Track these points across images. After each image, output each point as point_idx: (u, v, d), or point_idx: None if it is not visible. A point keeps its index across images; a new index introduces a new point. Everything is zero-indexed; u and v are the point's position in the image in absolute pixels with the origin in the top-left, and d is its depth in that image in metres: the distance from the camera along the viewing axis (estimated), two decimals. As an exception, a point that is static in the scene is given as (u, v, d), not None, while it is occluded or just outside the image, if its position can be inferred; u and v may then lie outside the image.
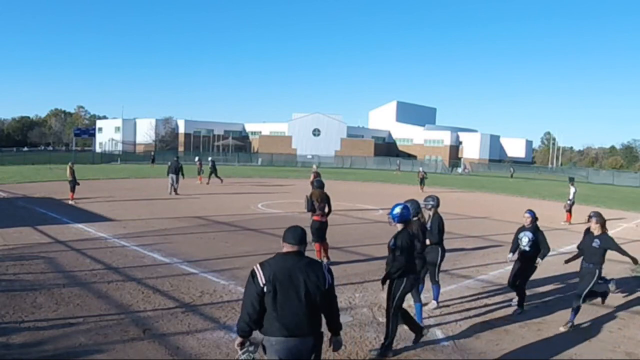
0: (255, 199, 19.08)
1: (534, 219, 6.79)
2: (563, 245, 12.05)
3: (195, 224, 12.87)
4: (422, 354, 5.20)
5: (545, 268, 9.48)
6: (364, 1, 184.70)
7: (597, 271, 6.17)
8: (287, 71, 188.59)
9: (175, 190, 19.74)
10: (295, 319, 3.24)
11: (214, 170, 25.54)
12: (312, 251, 9.10)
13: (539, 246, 6.64)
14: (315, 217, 8.81)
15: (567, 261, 6.65)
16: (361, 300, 6.81)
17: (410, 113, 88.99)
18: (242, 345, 3.35)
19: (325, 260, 8.81)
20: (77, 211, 14.50)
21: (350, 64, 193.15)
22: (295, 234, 3.38)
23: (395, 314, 5.15)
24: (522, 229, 6.86)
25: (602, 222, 6.36)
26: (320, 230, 8.80)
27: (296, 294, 3.25)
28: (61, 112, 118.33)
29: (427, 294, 6.80)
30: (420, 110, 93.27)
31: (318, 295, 3.31)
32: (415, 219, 6.02)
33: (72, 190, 16.64)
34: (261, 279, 3.24)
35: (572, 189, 16.96)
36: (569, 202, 16.70)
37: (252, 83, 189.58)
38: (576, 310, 6.19)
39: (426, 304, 6.71)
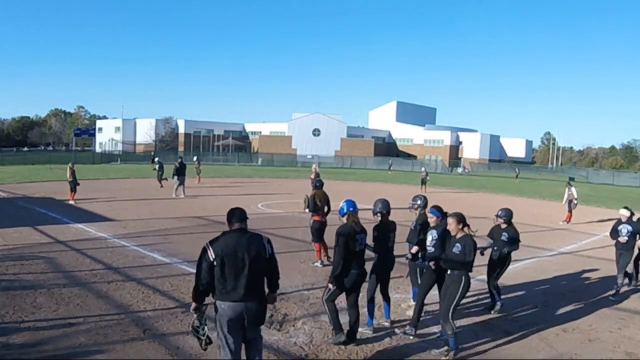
0: (255, 199, 19.07)
1: (438, 218, 5.88)
2: (563, 245, 12.06)
3: (195, 224, 12.87)
4: (422, 354, 5.20)
5: (544, 268, 9.50)
6: (364, 1, 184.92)
7: (464, 278, 5.12)
8: (287, 71, 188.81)
9: (178, 191, 19.20)
10: (241, 286, 3.80)
11: (160, 172, 23.01)
12: (312, 251, 9.10)
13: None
14: (315, 218, 8.82)
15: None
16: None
17: (410, 113, 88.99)
18: (197, 309, 4.00)
19: (325, 260, 8.81)
20: (77, 211, 14.50)
21: (350, 64, 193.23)
22: (236, 214, 3.98)
23: (327, 302, 5.25)
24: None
25: (463, 221, 5.33)
26: (320, 231, 8.81)
27: (241, 265, 3.81)
28: (61, 112, 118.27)
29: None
30: (420, 110, 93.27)
31: (261, 264, 3.91)
32: (377, 217, 5.94)
33: (73, 190, 16.64)
34: (211, 254, 3.80)
35: (574, 190, 16.91)
36: (575, 202, 16.64)
37: (252, 83, 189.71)
38: (453, 337, 5.09)
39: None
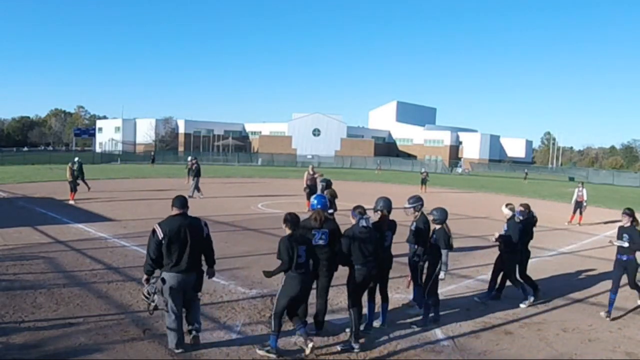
0: (255, 199, 19.07)
1: (355, 218, 5.49)
2: (563, 245, 12.06)
3: (195, 224, 12.86)
4: (422, 354, 5.19)
5: (544, 268, 9.48)
6: (364, 1, 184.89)
7: (284, 280, 5.00)
8: (287, 71, 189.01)
9: (191, 191, 18.65)
10: (184, 260, 4.65)
11: (80, 173, 18.96)
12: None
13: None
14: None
15: None
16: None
17: (410, 113, 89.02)
18: (147, 281, 4.87)
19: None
20: (77, 211, 14.50)
21: (350, 64, 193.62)
22: (180, 201, 4.83)
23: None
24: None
25: (288, 223, 4.99)
26: None
27: (184, 243, 4.66)
28: (61, 112, 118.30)
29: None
30: (420, 110, 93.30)
31: (199, 242, 4.80)
32: (377, 214, 5.84)
33: (73, 190, 16.64)
34: (159, 233, 4.63)
35: (585, 191, 16.75)
36: (584, 203, 16.42)
37: (252, 83, 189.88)
38: (274, 335, 4.96)
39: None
